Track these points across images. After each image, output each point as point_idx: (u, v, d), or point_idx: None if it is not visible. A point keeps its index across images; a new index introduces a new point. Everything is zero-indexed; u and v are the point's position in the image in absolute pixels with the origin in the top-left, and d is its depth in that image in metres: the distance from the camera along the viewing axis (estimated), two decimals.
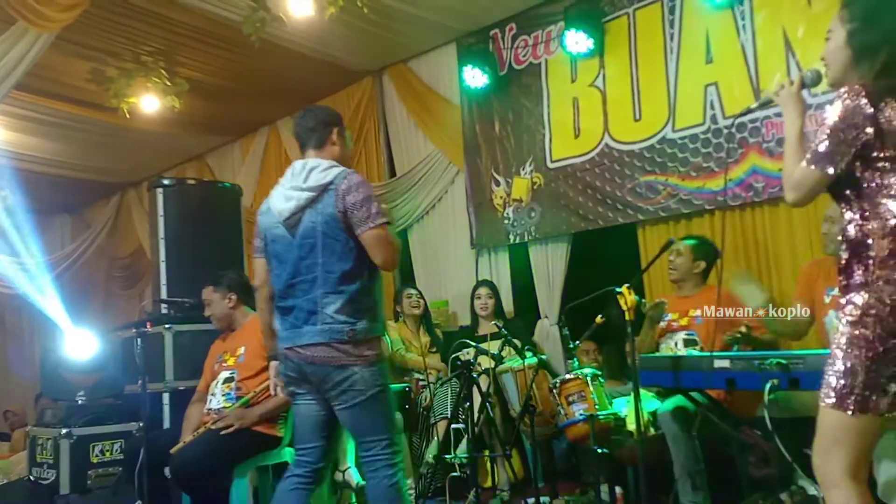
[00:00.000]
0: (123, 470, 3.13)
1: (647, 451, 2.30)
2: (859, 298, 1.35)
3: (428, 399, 3.37)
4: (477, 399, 2.87)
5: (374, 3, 3.40)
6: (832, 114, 1.36)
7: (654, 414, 2.53)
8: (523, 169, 3.82)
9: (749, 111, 1.83)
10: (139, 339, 2.76)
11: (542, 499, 2.72)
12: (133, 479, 2.79)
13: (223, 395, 2.67)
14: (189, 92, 4.16)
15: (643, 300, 2.73)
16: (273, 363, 2.09)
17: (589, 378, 2.62)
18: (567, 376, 2.67)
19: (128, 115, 4.13)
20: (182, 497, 2.68)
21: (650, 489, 2.26)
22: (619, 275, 2.47)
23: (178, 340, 3.19)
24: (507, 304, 3.77)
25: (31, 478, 3.30)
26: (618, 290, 2.34)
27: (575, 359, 2.84)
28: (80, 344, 3.42)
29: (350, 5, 3.27)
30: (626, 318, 2.33)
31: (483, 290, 3.57)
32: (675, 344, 2.70)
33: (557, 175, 3.68)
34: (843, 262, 1.39)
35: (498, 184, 3.93)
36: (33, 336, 5.96)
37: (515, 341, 2.97)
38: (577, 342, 2.78)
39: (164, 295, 3.36)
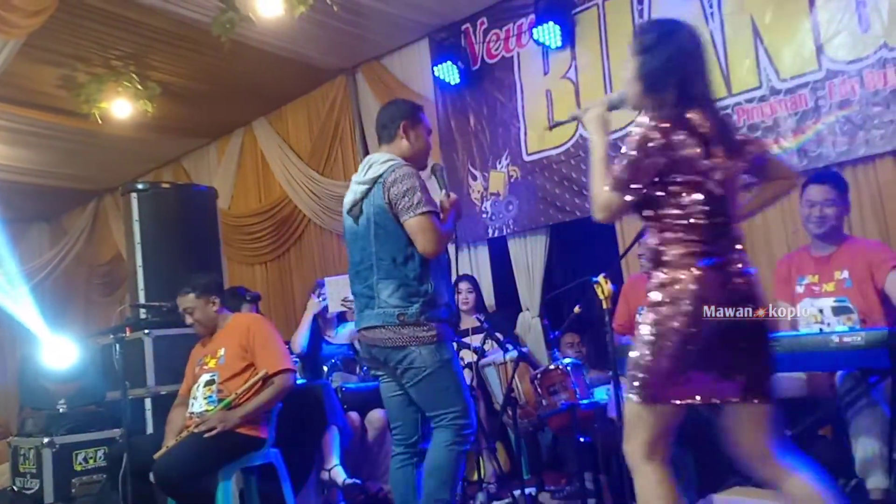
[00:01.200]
0: (107, 477, 3.11)
1: None
2: (658, 298, 1.50)
3: None
4: None
5: (344, 1, 3.39)
6: (631, 143, 1.49)
7: None
8: (499, 162, 3.84)
9: (559, 124, 1.95)
10: (118, 345, 2.74)
11: (528, 490, 2.73)
12: (117, 486, 2.78)
13: (205, 398, 2.66)
14: (161, 95, 4.12)
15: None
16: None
17: (570, 368, 2.64)
18: (548, 367, 2.69)
19: (100, 121, 4.09)
20: (168, 502, 2.67)
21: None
22: (599, 264, 2.49)
23: (157, 345, 3.17)
24: (489, 298, 3.79)
25: (15, 488, 3.28)
26: (594, 279, 2.36)
27: (555, 349, 2.86)
28: (59, 352, 3.39)
29: (320, 4, 3.26)
30: (604, 306, 2.35)
31: (463, 285, 3.58)
32: None
33: (533, 168, 3.70)
34: (646, 269, 1.56)
35: (475, 178, 3.95)
36: (12, 346, 5.89)
37: (497, 335, 2.99)
38: (557, 333, 2.80)
39: (142, 300, 3.34)
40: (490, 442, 2.96)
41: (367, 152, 4.50)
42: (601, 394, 2.74)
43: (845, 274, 2.30)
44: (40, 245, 6.49)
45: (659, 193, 1.51)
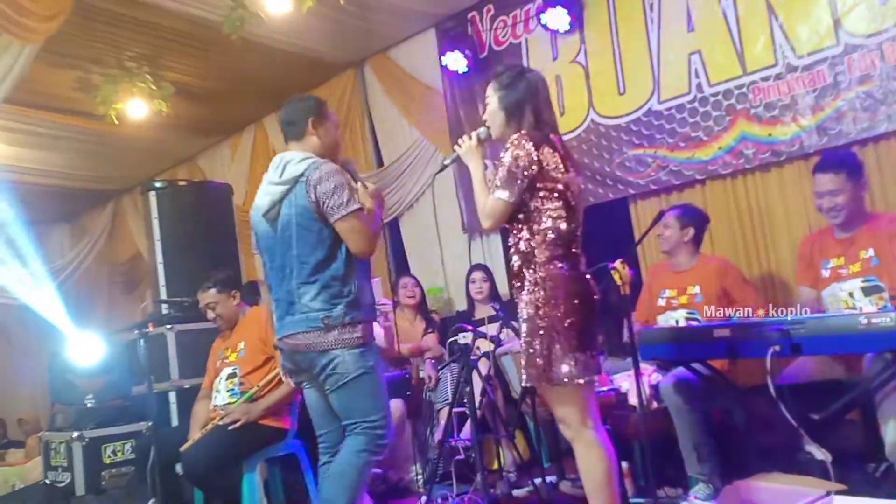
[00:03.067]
0: (136, 469, 3.19)
1: (651, 424, 2.31)
2: (533, 296, 1.76)
3: (431, 376, 3.42)
4: (477, 383, 2.89)
5: None
6: (509, 156, 1.78)
7: (656, 387, 2.54)
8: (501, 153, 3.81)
9: (444, 167, 2.15)
10: (142, 341, 2.79)
11: (548, 479, 2.72)
12: (146, 478, 2.85)
13: (227, 391, 2.71)
14: (175, 95, 4.16)
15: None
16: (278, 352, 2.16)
17: None
18: None
19: (116, 122, 4.14)
20: (195, 492, 2.73)
21: (656, 463, 2.26)
22: (614, 250, 2.45)
23: (180, 339, 3.24)
24: (503, 287, 3.77)
25: (47, 481, 3.37)
26: (611, 265, 2.34)
27: None
28: (86, 349, 3.47)
29: None
30: (622, 292, 2.33)
31: (477, 274, 3.57)
32: (676, 321, 2.70)
33: None
34: (516, 268, 1.83)
35: (486, 166, 3.92)
36: (40, 344, 6.03)
37: (513, 323, 2.98)
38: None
39: (163, 296, 3.40)
40: (509, 431, 2.96)
41: (376, 144, 4.52)
42: (621, 380, 2.72)
43: (870, 252, 2.25)
44: (62, 245, 6.62)
45: (530, 200, 1.78)
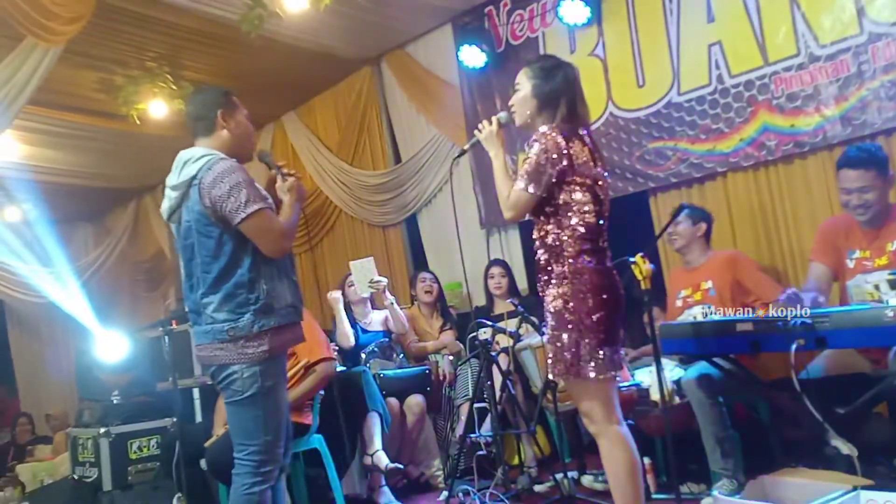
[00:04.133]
0: (161, 464, 3.25)
1: (674, 419, 2.29)
2: (561, 290, 1.75)
3: (446, 374, 3.43)
4: (497, 378, 2.90)
5: None
6: (537, 148, 1.76)
7: (678, 382, 2.52)
8: (528, 144, 3.80)
9: (464, 152, 2.14)
10: (167, 337, 2.84)
11: (570, 474, 2.72)
12: (171, 473, 2.90)
13: None
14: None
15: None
16: None
17: None
18: None
19: (138, 122, 4.20)
20: (220, 487, 2.78)
21: (679, 458, 2.25)
22: (634, 245, 2.44)
23: None
24: (522, 282, 3.77)
25: (75, 477, 3.43)
26: (631, 259, 2.33)
27: None
28: (112, 345, 3.54)
29: None
30: (642, 286, 2.32)
31: (496, 270, 3.57)
32: (694, 318, 2.68)
33: None
34: (543, 262, 1.82)
35: None
36: (67, 341, 6.15)
37: (533, 318, 2.98)
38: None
39: None
40: (529, 426, 2.96)
41: (394, 140, 4.53)
42: (642, 375, 2.71)
43: None
44: (86, 245, 6.73)
45: (559, 194, 1.76)
